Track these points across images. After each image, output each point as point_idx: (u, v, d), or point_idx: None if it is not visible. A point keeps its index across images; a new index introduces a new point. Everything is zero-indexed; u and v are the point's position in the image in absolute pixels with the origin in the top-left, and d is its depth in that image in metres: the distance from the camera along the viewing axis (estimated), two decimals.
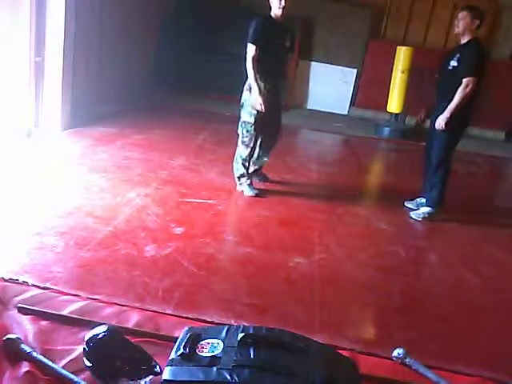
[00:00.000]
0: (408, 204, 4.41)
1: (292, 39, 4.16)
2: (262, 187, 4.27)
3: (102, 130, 5.40)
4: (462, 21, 3.89)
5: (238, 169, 4.13)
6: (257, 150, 4.21)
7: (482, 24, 3.93)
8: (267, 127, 4.08)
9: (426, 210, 4.19)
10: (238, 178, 4.15)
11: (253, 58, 3.80)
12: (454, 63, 3.94)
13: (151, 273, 2.75)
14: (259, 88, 3.83)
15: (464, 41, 3.95)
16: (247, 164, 4.12)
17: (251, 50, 3.80)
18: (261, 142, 4.19)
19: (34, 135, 4.91)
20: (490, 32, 7.90)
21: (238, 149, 4.12)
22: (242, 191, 4.12)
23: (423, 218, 4.16)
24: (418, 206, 4.33)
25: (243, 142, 4.05)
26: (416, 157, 6.86)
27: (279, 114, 4.27)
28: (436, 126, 3.94)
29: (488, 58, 4.00)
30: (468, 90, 3.81)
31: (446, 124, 3.89)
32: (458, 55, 3.93)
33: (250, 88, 3.89)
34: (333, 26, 8.18)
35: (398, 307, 2.94)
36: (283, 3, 3.79)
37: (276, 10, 3.86)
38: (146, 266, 2.81)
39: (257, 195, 4.08)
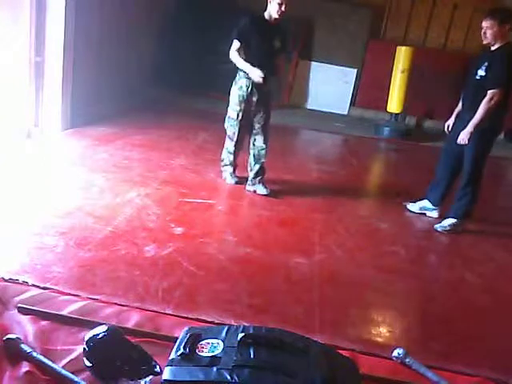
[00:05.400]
0: (410, 207, 4.30)
1: (284, 40, 4.12)
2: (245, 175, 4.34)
3: (101, 129, 5.40)
4: (489, 30, 3.59)
5: (225, 159, 4.36)
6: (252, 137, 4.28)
7: None
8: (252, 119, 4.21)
9: (452, 221, 3.97)
10: (224, 166, 4.38)
11: (236, 49, 3.97)
12: (481, 72, 3.66)
13: (151, 273, 2.75)
14: (250, 65, 3.92)
15: (494, 47, 3.66)
16: (233, 156, 4.31)
17: (235, 44, 3.97)
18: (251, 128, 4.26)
19: (34, 135, 4.91)
20: None
21: (225, 142, 4.33)
22: (225, 179, 4.37)
23: (448, 229, 3.95)
24: (420, 209, 4.25)
25: (228, 136, 4.26)
26: (416, 157, 6.93)
27: (267, 109, 4.20)
28: (459, 141, 3.74)
29: None
30: (492, 102, 3.58)
31: (469, 139, 3.69)
32: (486, 63, 3.65)
33: (235, 82, 4.07)
34: (333, 26, 8.19)
35: (398, 307, 2.95)
36: (283, 8, 3.82)
37: (273, 14, 3.88)
38: (145, 266, 2.81)
39: (236, 183, 4.30)
